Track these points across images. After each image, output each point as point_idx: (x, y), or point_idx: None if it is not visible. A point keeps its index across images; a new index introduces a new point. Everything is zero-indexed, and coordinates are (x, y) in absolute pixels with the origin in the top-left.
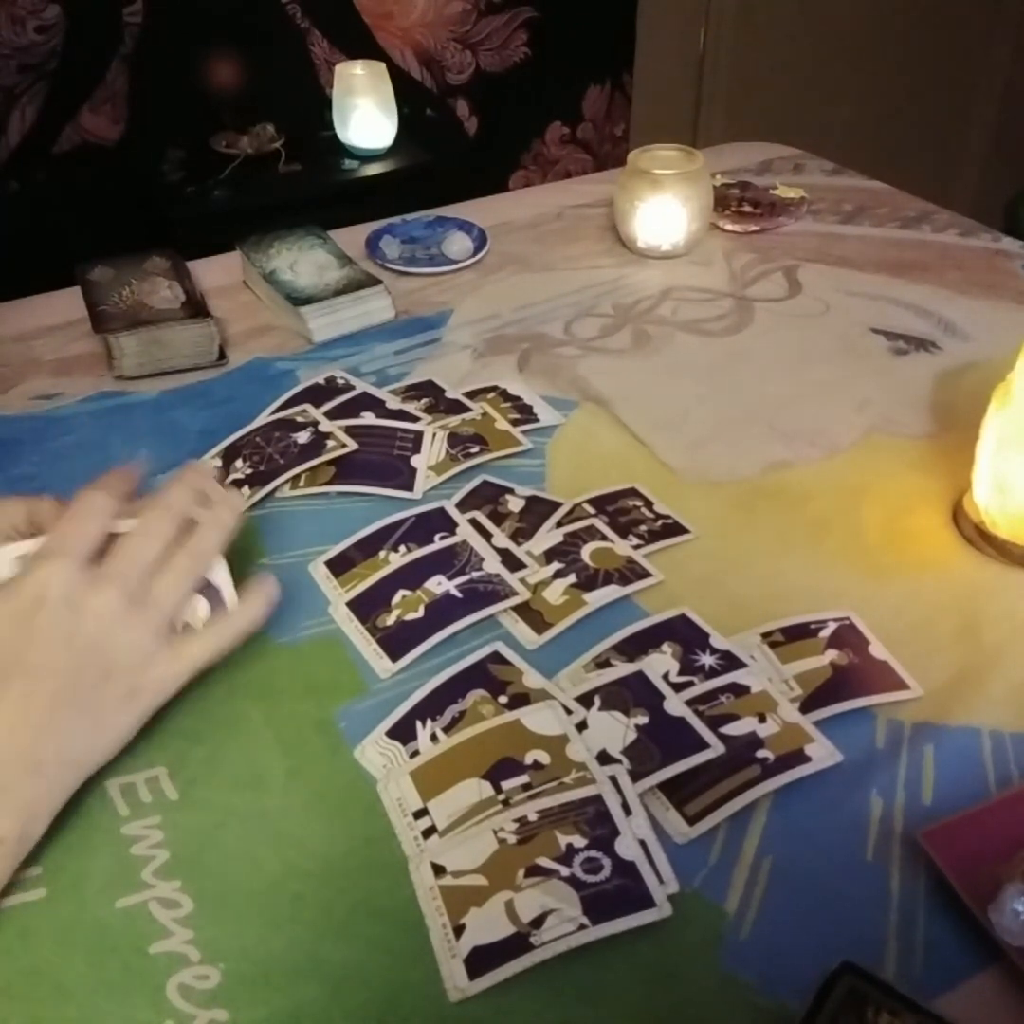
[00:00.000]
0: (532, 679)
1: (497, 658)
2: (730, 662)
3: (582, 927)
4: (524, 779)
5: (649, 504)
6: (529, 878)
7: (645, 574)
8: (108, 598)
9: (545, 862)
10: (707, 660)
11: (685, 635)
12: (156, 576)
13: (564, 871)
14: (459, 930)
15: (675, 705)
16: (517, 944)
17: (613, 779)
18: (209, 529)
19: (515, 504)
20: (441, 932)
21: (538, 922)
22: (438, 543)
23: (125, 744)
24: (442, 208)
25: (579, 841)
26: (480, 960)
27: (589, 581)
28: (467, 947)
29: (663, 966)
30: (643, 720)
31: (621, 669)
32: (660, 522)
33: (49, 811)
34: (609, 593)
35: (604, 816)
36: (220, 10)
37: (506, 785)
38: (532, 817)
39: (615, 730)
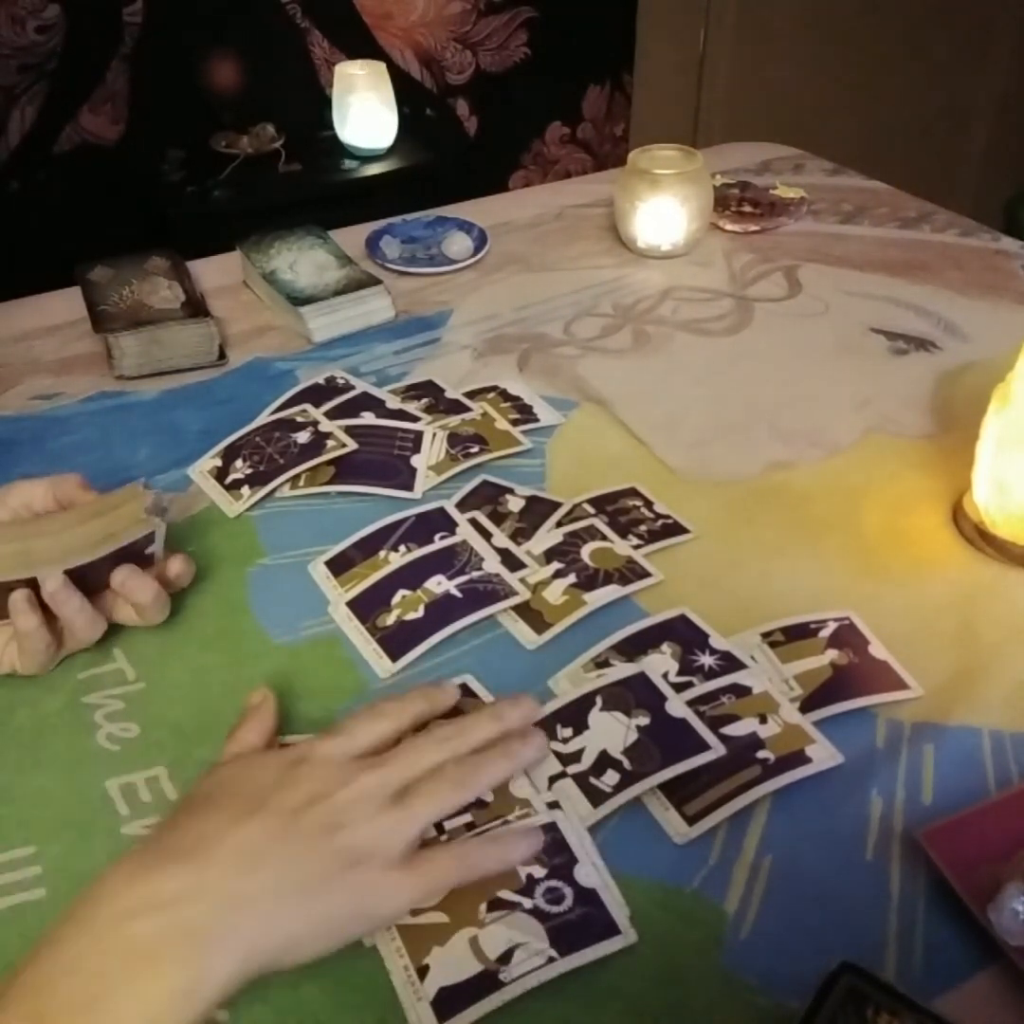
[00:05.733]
0: None
1: (465, 691)
2: (730, 662)
3: (551, 959)
4: (466, 818)
5: (649, 504)
6: (492, 912)
7: (645, 574)
8: (367, 780)
9: (507, 895)
10: (706, 660)
11: (685, 635)
12: (421, 783)
13: (527, 903)
14: (423, 971)
15: (677, 706)
16: (486, 982)
17: (555, 806)
18: (497, 760)
19: (515, 504)
20: (403, 975)
21: (506, 957)
22: (438, 543)
23: (309, 957)
24: (442, 208)
25: (538, 871)
26: (448, 1001)
27: (589, 581)
28: (433, 989)
29: (663, 966)
30: (644, 721)
31: (622, 669)
32: (660, 522)
33: (210, 989)
34: (609, 593)
35: (561, 844)
36: (220, 10)
37: (448, 824)
38: None
39: (616, 731)
